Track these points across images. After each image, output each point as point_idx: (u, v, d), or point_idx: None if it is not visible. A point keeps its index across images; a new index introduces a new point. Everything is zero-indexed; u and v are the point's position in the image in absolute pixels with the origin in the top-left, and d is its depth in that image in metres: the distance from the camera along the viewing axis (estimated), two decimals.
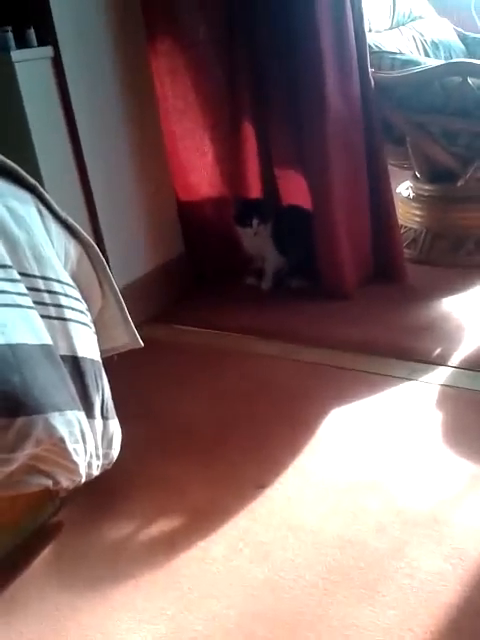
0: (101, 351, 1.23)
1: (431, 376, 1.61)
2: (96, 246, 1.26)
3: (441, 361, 1.66)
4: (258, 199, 2.19)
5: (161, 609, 1.06)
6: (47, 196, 1.17)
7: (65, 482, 1.10)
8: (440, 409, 1.49)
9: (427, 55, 2.55)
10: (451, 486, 1.25)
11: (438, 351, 1.71)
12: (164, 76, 2.05)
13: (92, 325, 1.22)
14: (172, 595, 1.08)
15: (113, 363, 1.31)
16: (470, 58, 2.68)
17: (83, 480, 1.13)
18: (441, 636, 0.97)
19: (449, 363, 1.65)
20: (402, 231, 2.30)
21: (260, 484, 1.31)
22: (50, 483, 1.07)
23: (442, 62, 2.25)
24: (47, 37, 1.74)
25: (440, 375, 1.61)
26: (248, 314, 2.04)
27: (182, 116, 2.11)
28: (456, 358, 1.67)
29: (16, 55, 1.66)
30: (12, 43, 1.67)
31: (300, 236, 2.08)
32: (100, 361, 1.20)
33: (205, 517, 1.24)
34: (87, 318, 1.19)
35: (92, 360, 1.16)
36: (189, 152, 2.15)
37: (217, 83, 2.09)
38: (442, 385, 1.57)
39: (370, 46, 2.08)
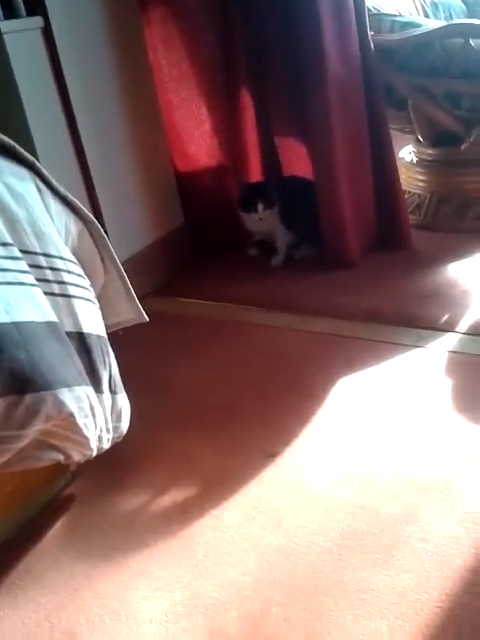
0: (106, 326, 1.22)
1: (439, 343, 1.60)
2: (96, 222, 1.24)
3: (448, 327, 1.65)
4: (261, 183, 2.14)
5: (177, 577, 1.07)
6: (45, 172, 1.15)
7: (76, 456, 1.10)
8: (449, 375, 1.49)
9: (426, 16, 2.49)
10: (462, 451, 1.25)
11: (445, 317, 1.70)
12: (158, 44, 2.00)
13: (96, 301, 1.21)
14: (187, 563, 1.09)
15: (119, 338, 1.30)
16: (471, 18, 2.62)
17: (94, 454, 1.13)
18: (456, 598, 0.98)
19: (457, 329, 1.64)
20: (406, 196, 2.28)
21: (270, 453, 1.31)
22: (61, 457, 1.08)
23: (443, 23, 2.20)
24: (36, 7, 1.70)
25: (448, 341, 1.60)
26: (252, 285, 2.03)
27: (177, 85, 2.07)
28: (463, 324, 1.66)
29: (5, 26, 1.61)
30: (0, 14, 1.62)
31: (304, 207, 2.05)
32: (106, 336, 1.19)
33: (217, 486, 1.24)
34: (91, 294, 1.18)
35: (98, 336, 1.15)
36: (186, 121, 2.12)
37: (212, 50, 2.05)
38: (450, 351, 1.57)
39: (369, 9, 2.03)
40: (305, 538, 1.10)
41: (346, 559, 1.05)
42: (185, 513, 1.20)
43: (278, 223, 2.06)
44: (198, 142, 2.16)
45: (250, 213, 2.02)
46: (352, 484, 1.20)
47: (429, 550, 1.05)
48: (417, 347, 1.60)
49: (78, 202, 1.22)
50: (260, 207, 1.98)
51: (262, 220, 2.02)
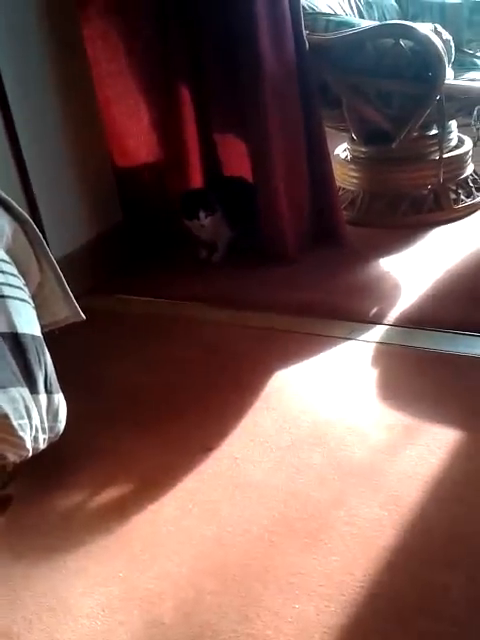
0: (42, 326, 1.23)
1: (368, 335, 1.68)
2: (31, 221, 1.24)
3: (378, 320, 1.73)
4: (202, 189, 2.16)
5: (114, 572, 1.10)
6: None
7: (12, 457, 1.10)
8: (376, 366, 1.56)
9: (361, 15, 2.55)
10: (386, 438, 1.32)
11: (375, 310, 1.78)
12: (95, 40, 2.00)
13: (31, 300, 1.21)
14: (124, 558, 1.12)
15: (55, 337, 1.31)
16: (403, 17, 2.70)
17: (30, 454, 1.14)
18: (379, 577, 1.04)
19: (385, 321, 1.72)
20: (340, 193, 2.35)
21: (208, 447, 1.35)
22: None
23: (375, 23, 2.27)
24: None
25: (376, 333, 1.68)
26: (192, 282, 2.05)
27: (115, 80, 2.06)
28: (391, 316, 1.74)
29: None
30: None
31: (245, 207, 2.08)
32: (41, 336, 1.20)
33: (155, 482, 1.27)
34: (25, 294, 1.19)
35: (33, 336, 1.16)
36: (125, 117, 2.12)
37: (150, 46, 2.05)
38: (378, 342, 1.64)
39: (304, 7, 2.07)
40: (238, 527, 1.15)
41: (277, 545, 1.11)
42: (123, 509, 1.23)
43: (221, 226, 2.09)
44: (137, 138, 2.16)
45: (192, 220, 2.04)
46: (284, 473, 1.26)
47: (354, 533, 1.11)
48: (349, 339, 1.67)
49: (12, 201, 1.22)
50: (202, 215, 2.01)
51: (204, 226, 2.04)
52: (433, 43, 2.00)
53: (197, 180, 2.26)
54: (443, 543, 1.09)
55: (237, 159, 2.18)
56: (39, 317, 1.22)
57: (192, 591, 1.05)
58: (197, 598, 1.04)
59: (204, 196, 2.07)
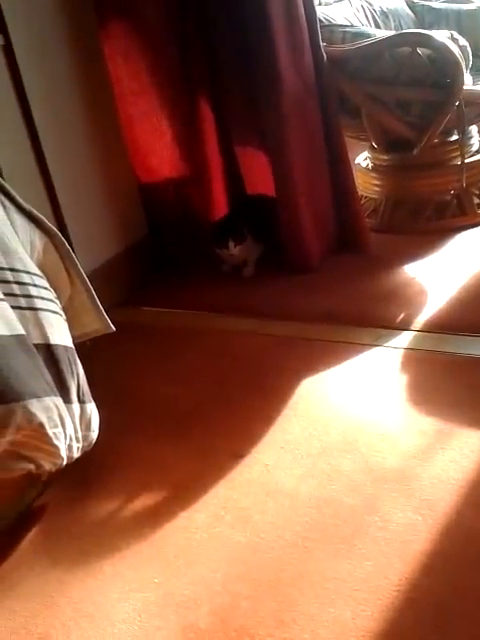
0: (73, 337, 1.25)
1: (396, 341, 1.67)
2: (60, 235, 1.28)
3: (404, 326, 1.73)
4: (231, 217, 2.18)
5: (149, 578, 1.11)
6: (9, 188, 1.19)
7: (47, 465, 1.13)
8: (405, 371, 1.56)
9: (377, 25, 2.58)
10: (418, 443, 1.31)
11: (401, 316, 1.77)
12: (117, 58, 2.04)
13: (62, 313, 1.24)
14: (159, 564, 1.13)
15: (86, 348, 1.33)
16: (419, 26, 2.72)
17: (65, 463, 1.16)
18: (414, 581, 1.03)
19: (412, 327, 1.71)
20: (363, 201, 2.35)
21: (238, 454, 1.36)
22: (32, 467, 1.11)
23: (392, 33, 2.29)
24: None
25: (404, 339, 1.67)
26: (216, 293, 2.07)
27: (137, 97, 2.11)
28: (418, 322, 1.73)
29: None
30: None
31: (271, 223, 2.11)
32: (73, 347, 1.23)
33: (186, 489, 1.28)
34: (57, 306, 1.22)
35: (65, 347, 1.19)
36: (147, 134, 2.16)
37: (171, 63, 2.09)
38: (406, 348, 1.64)
39: (320, 20, 2.10)
40: (271, 533, 1.15)
41: (311, 551, 1.11)
42: (156, 516, 1.24)
43: (250, 247, 2.11)
44: (159, 154, 2.20)
45: (222, 249, 2.08)
46: (315, 479, 1.26)
47: (388, 538, 1.11)
48: (375, 346, 1.67)
49: (42, 216, 1.26)
50: (231, 244, 2.05)
51: (234, 255, 2.08)
52: (450, 50, 2.01)
53: (219, 194, 2.29)
54: None
55: (259, 172, 2.20)
56: (70, 329, 1.25)
57: (227, 596, 1.05)
58: (233, 603, 1.04)
59: (233, 225, 2.10)
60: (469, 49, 2.18)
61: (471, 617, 0.97)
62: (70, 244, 1.31)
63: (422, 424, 1.36)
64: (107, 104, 2.06)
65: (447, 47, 2.01)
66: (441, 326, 1.71)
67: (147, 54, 2.07)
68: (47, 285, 1.20)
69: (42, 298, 1.15)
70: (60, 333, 1.18)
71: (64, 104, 1.93)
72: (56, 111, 1.91)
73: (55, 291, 1.24)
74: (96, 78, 2.02)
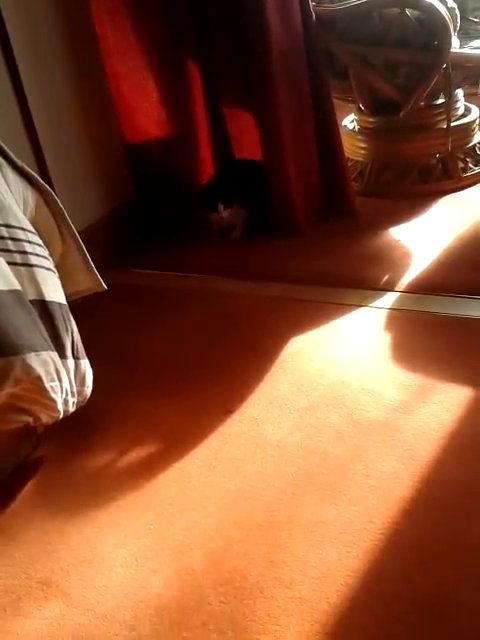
0: (66, 295, 1.27)
1: (380, 301, 1.72)
2: (53, 193, 1.28)
3: (389, 287, 1.77)
4: (219, 181, 2.17)
5: (144, 524, 1.15)
6: (2, 144, 1.19)
7: (44, 418, 1.16)
8: (389, 330, 1.60)
9: None
10: (401, 397, 1.36)
11: (386, 278, 1.81)
12: (104, 16, 2.00)
13: (56, 270, 1.25)
14: (153, 512, 1.18)
15: (78, 307, 1.35)
16: None
17: (61, 416, 1.19)
18: (396, 525, 1.09)
19: (396, 288, 1.76)
20: (349, 164, 2.36)
21: (228, 409, 1.40)
22: (30, 420, 1.14)
23: None
24: None
25: (388, 300, 1.72)
26: (205, 255, 2.09)
27: (124, 56, 2.07)
28: (402, 283, 1.77)
29: None
30: None
31: (259, 187, 2.11)
32: (66, 304, 1.25)
33: (179, 442, 1.33)
34: (51, 263, 1.23)
35: (59, 303, 1.21)
36: (134, 92, 2.13)
37: (158, 22, 2.06)
38: (390, 308, 1.68)
39: None
40: (261, 481, 1.20)
41: (298, 497, 1.16)
42: (150, 468, 1.28)
43: (238, 211, 2.12)
44: (146, 113, 2.18)
45: (211, 212, 2.08)
46: (303, 432, 1.31)
47: (372, 485, 1.16)
48: (361, 306, 1.71)
49: (35, 174, 1.26)
50: (221, 207, 2.06)
51: (223, 218, 2.09)
52: (438, 11, 2.01)
53: (206, 156, 2.28)
54: (459, 494, 1.13)
55: (246, 132, 2.20)
56: (63, 286, 1.27)
57: (220, 541, 1.11)
58: (225, 547, 1.09)
59: (221, 188, 2.10)
60: (457, 11, 2.18)
61: (447, 557, 1.03)
62: None
63: (405, 380, 1.42)
64: (94, 63, 2.03)
65: (435, 8, 2.01)
66: (424, 287, 1.75)
67: (134, 12, 2.03)
68: (40, 242, 1.21)
69: (37, 255, 1.17)
70: (55, 290, 1.20)
71: (51, 63, 1.90)
72: (43, 70, 1.88)
73: (48, 248, 1.25)
74: (83, 36, 1.98)
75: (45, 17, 1.88)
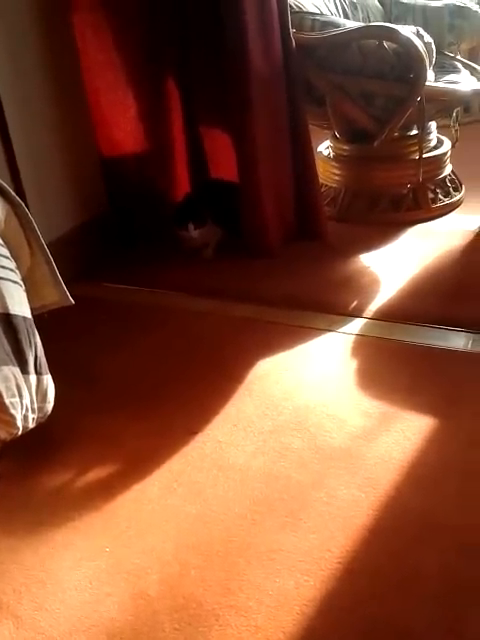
0: (31, 309, 1.25)
1: (348, 327, 1.73)
2: (23, 205, 1.27)
3: (357, 313, 1.79)
4: (192, 200, 2.18)
5: (100, 547, 1.13)
6: None
7: (3, 434, 1.13)
8: (355, 357, 1.62)
9: (346, 16, 2.61)
10: (363, 424, 1.37)
11: (354, 304, 1.84)
12: (85, 30, 2.01)
13: (22, 283, 1.24)
14: (111, 534, 1.16)
15: (44, 321, 1.33)
16: (387, 18, 2.77)
17: (20, 433, 1.17)
18: (355, 554, 1.09)
19: (364, 315, 1.78)
20: (323, 190, 2.40)
21: (192, 431, 1.39)
22: None
23: (360, 25, 2.32)
24: None
25: (355, 326, 1.74)
26: (176, 273, 2.08)
27: (104, 70, 2.08)
28: (370, 310, 1.80)
29: None
30: None
31: (233, 207, 2.12)
32: (31, 318, 1.22)
33: (140, 463, 1.31)
34: (17, 276, 1.21)
35: (24, 317, 1.19)
36: (112, 107, 2.14)
37: (139, 39, 2.07)
38: (357, 334, 1.70)
39: (291, 6, 2.11)
40: (222, 506, 1.19)
41: (259, 523, 1.15)
42: (109, 488, 1.26)
43: (210, 231, 2.13)
44: (124, 128, 2.18)
45: (182, 231, 2.09)
46: (266, 456, 1.31)
47: (333, 512, 1.16)
48: (328, 331, 1.72)
49: (5, 185, 1.24)
50: (191, 227, 2.07)
51: (194, 238, 2.10)
52: (415, 46, 2.06)
53: (182, 174, 2.29)
54: (417, 523, 1.14)
55: (222, 154, 2.21)
56: (29, 300, 1.25)
57: (177, 565, 1.09)
58: (182, 572, 1.08)
59: (194, 208, 2.11)
60: (433, 46, 2.24)
61: (403, 587, 1.03)
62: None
63: (368, 407, 1.43)
64: (73, 76, 2.03)
65: (412, 43, 2.06)
66: (390, 315, 1.78)
67: (116, 28, 2.05)
68: (8, 254, 1.19)
69: (3, 267, 1.15)
70: (19, 303, 1.18)
71: (30, 75, 1.90)
72: (21, 81, 1.87)
73: (15, 261, 1.23)
74: (63, 49, 1.98)
75: (26, 29, 1.87)
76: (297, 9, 2.25)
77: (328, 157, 2.46)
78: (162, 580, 1.07)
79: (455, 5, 2.69)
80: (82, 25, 2.00)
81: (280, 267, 2.07)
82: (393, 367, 1.57)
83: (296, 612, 1.00)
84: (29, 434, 1.20)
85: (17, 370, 1.12)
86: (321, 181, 2.37)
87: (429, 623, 0.98)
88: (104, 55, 2.06)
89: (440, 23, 2.71)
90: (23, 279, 1.25)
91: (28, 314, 1.21)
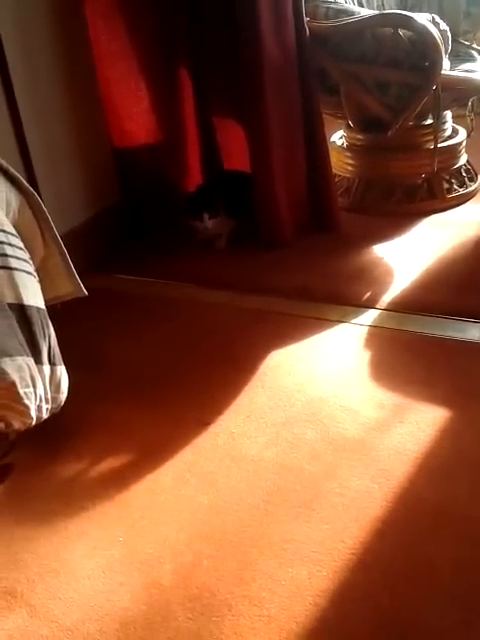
0: (45, 300, 1.26)
1: (361, 318, 1.72)
2: (37, 195, 1.27)
3: (370, 304, 1.77)
4: (205, 190, 2.16)
5: (114, 536, 1.14)
6: None
7: (16, 424, 1.14)
8: (368, 348, 1.61)
9: (360, 4, 2.57)
10: (377, 416, 1.37)
11: (368, 295, 1.82)
12: (98, 20, 2.00)
13: (36, 274, 1.24)
14: (124, 523, 1.16)
15: (57, 312, 1.34)
16: (402, 7, 2.73)
17: (34, 423, 1.17)
18: (368, 545, 1.09)
19: (377, 306, 1.76)
20: (336, 180, 2.38)
21: (204, 422, 1.39)
22: (2, 425, 1.12)
23: (374, 12, 2.29)
24: None
25: (369, 317, 1.72)
26: (189, 264, 2.08)
27: (117, 60, 2.07)
28: (383, 301, 1.78)
29: None
30: None
31: (246, 198, 2.11)
32: (45, 309, 1.23)
33: (153, 453, 1.31)
34: (31, 267, 1.22)
35: (38, 308, 1.19)
36: (124, 98, 2.13)
37: (152, 28, 2.06)
38: (370, 326, 1.69)
39: None
40: (234, 496, 1.19)
41: (271, 514, 1.15)
42: (122, 478, 1.26)
43: (223, 221, 2.11)
44: (136, 119, 2.17)
45: (196, 221, 2.07)
46: (278, 447, 1.30)
47: (346, 503, 1.16)
48: (342, 322, 1.71)
49: (19, 176, 1.25)
50: (206, 217, 2.05)
51: (208, 228, 2.08)
52: (431, 33, 2.03)
53: (194, 165, 2.28)
54: (431, 515, 1.14)
55: (235, 143, 2.20)
56: (42, 291, 1.25)
57: (190, 555, 1.10)
58: (195, 562, 1.08)
59: (208, 198, 2.10)
60: (449, 34, 2.21)
61: (416, 579, 1.03)
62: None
63: (382, 398, 1.42)
64: (86, 66, 2.02)
65: (428, 30, 2.03)
66: (404, 306, 1.76)
67: (128, 18, 2.04)
68: (22, 245, 1.20)
69: (17, 258, 1.15)
70: (34, 294, 1.18)
71: (42, 65, 1.89)
72: (34, 71, 1.87)
73: (29, 252, 1.23)
74: (76, 39, 1.98)
75: (38, 19, 1.87)
76: None
77: (342, 147, 2.44)
78: (175, 570, 1.08)
79: None
80: (94, 15, 1.99)
81: (293, 258, 2.06)
82: (407, 359, 1.55)
83: (309, 602, 1.00)
84: (42, 424, 1.21)
85: (31, 361, 1.12)
86: (334, 171, 2.35)
87: (441, 615, 0.97)
88: (116, 45, 2.05)
89: (456, 10, 2.67)
90: (37, 270, 1.26)
91: (42, 305, 1.21)
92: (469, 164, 2.43)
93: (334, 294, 1.84)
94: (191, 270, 2.04)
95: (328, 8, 2.21)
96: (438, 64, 2.06)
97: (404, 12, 2.23)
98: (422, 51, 2.06)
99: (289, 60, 2.02)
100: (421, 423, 1.33)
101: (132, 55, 2.08)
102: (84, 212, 2.12)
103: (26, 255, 1.20)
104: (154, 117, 2.18)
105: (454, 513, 1.13)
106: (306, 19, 2.04)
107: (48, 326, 1.21)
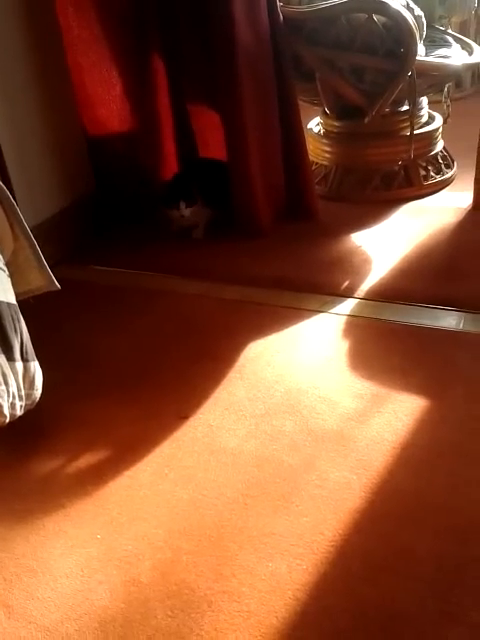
0: (17, 294, 1.23)
1: (339, 308, 1.72)
2: (5, 189, 1.23)
3: (348, 293, 1.77)
4: (182, 179, 2.13)
5: (92, 534, 1.12)
6: None
7: None
8: (346, 338, 1.60)
9: None
10: (355, 406, 1.37)
11: (346, 284, 1.82)
12: (67, 6, 1.95)
13: (5, 268, 1.21)
14: (102, 520, 1.15)
15: (30, 306, 1.31)
16: None
17: (7, 420, 1.15)
18: (349, 537, 1.09)
19: (355, 295, 1.76)
20: (313, 168, 2.36)
21: (183, 415, 1.38)
22: None
23: None
24: None
25: (347, 306, 1.72)
26: (165, 254, 2.06)
27: (88, 48, 2.03)
28: (361, 290, 1.78)
29: None
30: None
31: (222, 187, 2.09)
32: (16, 304, 1.20)
33: (131, 448, 1.30)
34: (1, 262, 1.18)
35: (8, 303, 1.16)
36: (96, 85, 2.09)
37: (123, 14, 2.02)
38: (348, 315, 1.68)
39: None
40: (213, 490, 1.19)
41: (250, 507, 1.15)
42: (100, 475, 1.25)
43: (200, 210, 2.08)
44: (108, 106, 2.13)
45: (172, 210, 2.04)
46: (258, 439, 1.30)
47: (325, 495, 1.16)
48: (320, 312, 1.71)
49: None
50: (182, 205, 2.02)
51: (184, 216, 2.05)
52: (405, 19, 2.02)
53: (170, 152, 2.25)
54: (409, 505, 1.14)
55: (210, 130, 2.17)
56: (13, 285, 1.22)
57: (169, 551, 1.09)
58: (174, 558, 1.07)
59: (184, 186, 2.07)
60: (424, 19, 2.20)
61: (395, 569, 1.03)
62: (14, 197, 1.27)
63: (360, 388, 1.42)
64: (56, 53, 1.98)
65: (402, 16, 2.02)
66: (382, 295, 1.76)
67: (99, 4, 1.99)
68: None
69: None
70: (4, 289, 1.15)
71: (10, 53, 1.84)
72: (2, 60, 1.82)
73: None
74: (45, 26, 1.93)
75: (6, 7, 1.81)
76: None
77: (318, 134, 2.42)
78: (154, 566, 1.07)
79: None
80: (64, 1, 1.94)
81: (270, 247, 2.05)
82: (385, 348, 1.55)
83: (289, 597, 1.00)
84: (17, 421, 1.19)
85: (2, 358, 1.09)
86: (311, 159, 2.34)
87: (421, 605, 0.98)
88: (87, 32, 2.00)
89: None
90: (6, 264, 1.22)
91: (13, 300, 1.18)
92: (445, 151, 2.43)
93: (312, 283, 1.83)
94: (168, 260, 2.02)
95: None
96: (413, 50, 2.05)
97: None
98: (397, 37, 2.05)
99: (263, 46, 1.99)
100: (399, 413, 1.33)
101: (103, 42, 2.04)
102: (58, 202, 2.08)
103: None
104: (128, 104, 2.15)
105: (433, 503, 1.14)
106: (280, 4, 2.01)
107: (20, 321, 1.18)
